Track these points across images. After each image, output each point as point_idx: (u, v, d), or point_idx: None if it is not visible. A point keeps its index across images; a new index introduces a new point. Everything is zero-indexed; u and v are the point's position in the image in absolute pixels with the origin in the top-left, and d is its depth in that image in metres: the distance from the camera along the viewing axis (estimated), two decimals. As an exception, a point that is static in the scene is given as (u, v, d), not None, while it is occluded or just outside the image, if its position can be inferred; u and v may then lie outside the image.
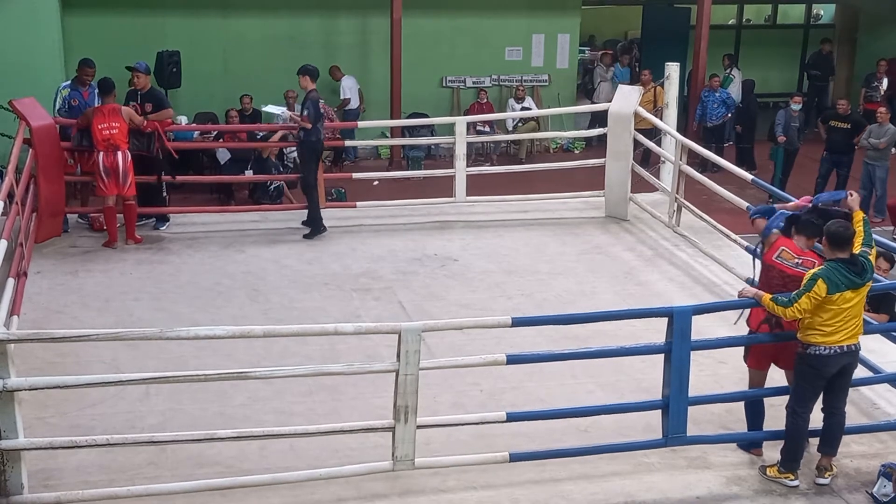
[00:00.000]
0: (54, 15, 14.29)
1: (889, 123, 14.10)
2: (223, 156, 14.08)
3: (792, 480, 6.21)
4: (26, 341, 6.16)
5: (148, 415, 6.76)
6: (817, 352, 6.06)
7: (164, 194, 11.24)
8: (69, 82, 10.97)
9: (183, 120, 13.98)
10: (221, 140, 14.12)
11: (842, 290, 5.95)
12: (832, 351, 6.04)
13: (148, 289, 9.05)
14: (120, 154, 9.87)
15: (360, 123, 13.35)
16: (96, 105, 10.19)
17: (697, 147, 10.80)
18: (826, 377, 6.13)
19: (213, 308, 8.65)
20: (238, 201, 13.89)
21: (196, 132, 13.54)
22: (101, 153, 9.82)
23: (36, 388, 5.72)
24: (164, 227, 10.65)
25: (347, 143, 13.95)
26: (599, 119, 16.89)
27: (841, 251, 6.02)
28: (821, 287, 5.93)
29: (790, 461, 6.23)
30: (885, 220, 13.69)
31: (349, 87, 16.23)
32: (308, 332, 7.08)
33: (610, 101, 11.69)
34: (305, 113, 10.27)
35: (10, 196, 8.28)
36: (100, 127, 9.79)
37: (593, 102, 17.58)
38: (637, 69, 19.23)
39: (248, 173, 13.65)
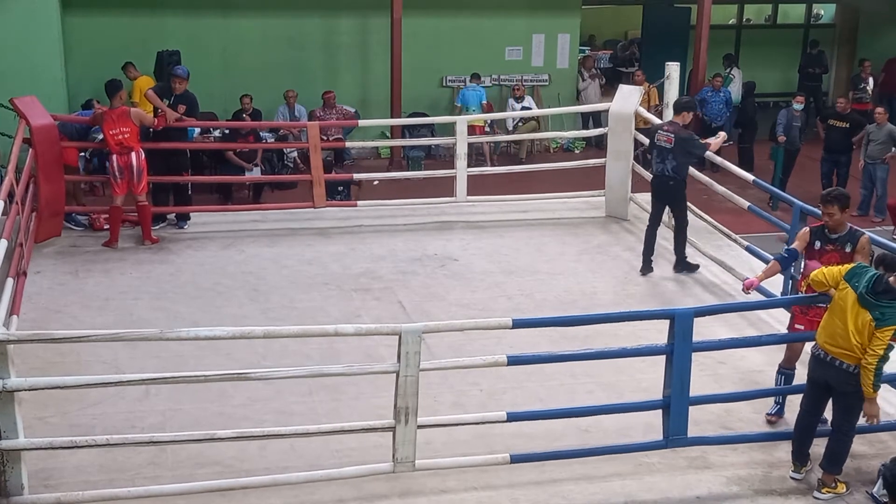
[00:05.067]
0: (54, 15, 14.26)
1: (888, 123, 14.10)
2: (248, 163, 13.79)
3: (792, 471, 6.33)
4: (26, 342, 6.16)
5: (148, 415, 6.77)
6: (811, 350, 6.21)
7: (189, 192, 11.33)
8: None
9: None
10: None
11: (850, 285, 5.93)
12: (818, 352, 6.10)
13: (148, 289, 9.06)
14: (133, 154, 9.98)
15: (361, 122, 13.33)
16: (105, 108, 10.22)
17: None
18: (811, 378, 6.19)
19: (213, 308, 8.66)
20: (238, 201, 13.86)
21: (196, 132, 13.51)
22: (115, 155, 9.94)
23: (36, 389, 5.72)
24: (186, 226, 10.77)
25: (348, 143, 13.94)
26: (590, 119, 17.00)
27: (887, 270, 5.98)
28: (842, 270, 6.04)
29: (792, 451, 6.36)
30: (885, 219, 13.69)
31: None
32: (308, 334, 7.10)
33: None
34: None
35: (10, 196, 8.28)
36: (111, 132, 9.89)
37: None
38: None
39: (249, 173, 13.62)
